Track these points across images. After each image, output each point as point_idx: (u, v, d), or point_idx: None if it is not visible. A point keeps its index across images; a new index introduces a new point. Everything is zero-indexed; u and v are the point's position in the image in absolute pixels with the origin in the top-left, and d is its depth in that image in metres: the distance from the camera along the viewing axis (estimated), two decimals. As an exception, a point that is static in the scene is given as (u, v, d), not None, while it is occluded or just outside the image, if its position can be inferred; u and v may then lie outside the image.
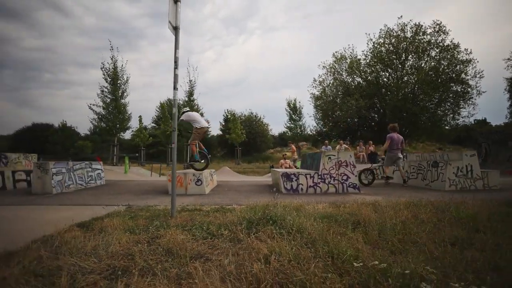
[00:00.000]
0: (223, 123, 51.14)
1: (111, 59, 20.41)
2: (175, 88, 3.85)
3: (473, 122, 23.30)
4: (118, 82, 20.58)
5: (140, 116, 29.30)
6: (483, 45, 67.89)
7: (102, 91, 20.29)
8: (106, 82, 20.40)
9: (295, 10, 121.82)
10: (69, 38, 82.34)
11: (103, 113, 20.41)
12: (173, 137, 3.83)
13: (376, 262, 1.88)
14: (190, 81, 24.35)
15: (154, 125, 51.11)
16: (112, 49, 20.38)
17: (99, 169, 8.96)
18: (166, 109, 28.51)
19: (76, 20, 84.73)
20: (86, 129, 52.89)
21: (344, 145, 14.49)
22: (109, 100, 20.39)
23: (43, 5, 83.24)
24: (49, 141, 45.36)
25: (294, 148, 14.28)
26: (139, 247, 2.38)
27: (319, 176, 6.75)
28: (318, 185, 6.73)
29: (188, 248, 2.36)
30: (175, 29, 3.89)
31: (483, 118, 39.19)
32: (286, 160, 14.10)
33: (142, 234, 2.75)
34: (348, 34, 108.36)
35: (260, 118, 50.83)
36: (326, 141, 14.98)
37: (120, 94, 20.66)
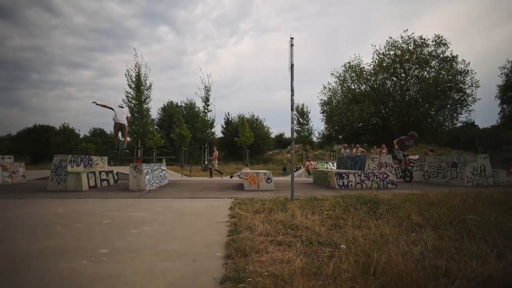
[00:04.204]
0: (224, 126, 52.56)
1: (135, 65, 21.60)
2: (292, 109, 5.35)
3: (462, 125, 25.34)
4: (142, 87, 21.77)
5: (152, 119, 30.39)
6: (466, 49, 71.46)
7: (127, 96, 21.45)
8: (130, 87, 21.57)
9: (288, 12, 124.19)
10: (59, 37, 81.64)
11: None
12: (292, 145, 5.32)
13: (475, 217, 3.43)
14: (206, 87, 25.63)
15: (156, 127, 52.11)
16: (137, 56, 21.58)
17: (164, 170, 10.32)
18: (180, 113, 29.72)
19: (66, 20, 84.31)
20: (86, 130, 53.20)
21: (361, 148, 16.15)
22: (132, 105, 21.55)
23: (31, 3, 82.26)
24: (51, 143, 45.78)
25: (217, 153, 15.14)
26: (325, 215, 3.86)
27: (365, 175, 8.32)
28: (364, 182, 8.30)
29: (348, 216, 3.86)
30: (291, 66, 5.39)
31: (472, 122, 41.85)
32: (311, 162, 15.73)
33: (310, 209, 4.23)
34: (341, 36, 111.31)
35: (261, 121, 52.49)
36: (345, 145, 16.62)
37: (143, 99, 21.84)
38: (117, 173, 10.46)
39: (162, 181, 9.69)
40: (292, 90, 5.34)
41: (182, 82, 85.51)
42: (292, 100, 5.33)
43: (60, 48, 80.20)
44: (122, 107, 9.40)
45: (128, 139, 27.56)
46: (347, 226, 3.30)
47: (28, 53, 77.77)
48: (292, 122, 5.36)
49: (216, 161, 15.30)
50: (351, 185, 8.22)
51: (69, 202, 5.67)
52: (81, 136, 52.89)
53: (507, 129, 22.84)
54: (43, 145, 47.85)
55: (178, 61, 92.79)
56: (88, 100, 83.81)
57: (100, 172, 9.15)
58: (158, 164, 9.78)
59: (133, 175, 8.06)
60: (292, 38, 5.43)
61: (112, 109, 8.91)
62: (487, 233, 2.72)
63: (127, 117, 9.21)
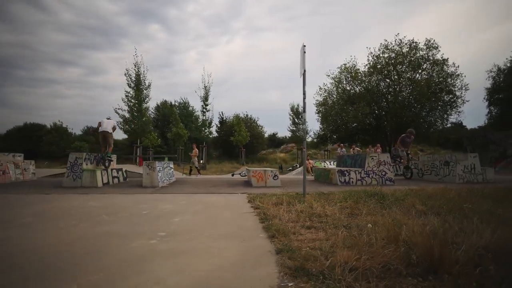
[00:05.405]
0: (219, 125, 52.87)
1: (135, 65, 21.83)
2: (304, 111, 5.84)
3: (452, 125, 26.35)
4: (141, 87, 22.01)
5: (149, 119, 30.52)
6: (459, 51, 73.44)
7: (126, 96, 21.67)
8: (129, 87, 21.79)
9: (280, 12, 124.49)
10: (46, 34, 79.53)
11: (127, 116, 21.79)
12: (304, 144, 5.82)
13: (470, 206, 3.99)
14: (205, 87, 25.99)
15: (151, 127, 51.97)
16: (137, 56, 21.83)
17: (172, 168, 10.71)
18: (177, 112, 29.98)
19: (54, 16, 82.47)
20: (78, 129, 52.41)
21: (357, 148, 16.83)
22: (132, 104, 21.79)
23: (17, -2, 79.86)
24: (43, 141, 45.26)
25: (197, 151, 15.09)
26: (339, 206, 4.37)
27: (365, 172, 8.90)
28: (364, 179, 8.87)
29: (360, 206, 4.37)
30: (304, 72, 5.88)
31: (460, 122, 43.32)
32: (310, 161, 16.31)
33: (323, 201, 4.74)
34: (335, 36, 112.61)
35: (255, 120, 53.00)
36: (342, 144, 17.26)
37: (142, 98, 22.08)
38: (125, 170, 10.79)
39: (171, 178, 10.08)
40: (304, 93, 5.82)
41: (174, 81, 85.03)
42: (304, 104, 5.82)
43: (48, 45, 78.08)
44: (109, 119, 9.61)
45: (125, 136, 27.47)
46: (362, 214, 3.82)
47: (14, 49, 75.48)
48: (304, 123, 5.87)
49: (196, 159, 15.22)
50: (352, 182, 8.78)
51: (95, 197, 6.05)
52: (73, 134, 52.35)
53: (494, 130, 23.91)
54: (35, 143, 47.17)
55: (169, 59, 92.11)
56: (77, 99, 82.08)
57: (111, 170, 9.49)
58: (167, 162, 10.16)
59: (146, 172, 8.44)
60: (304, 46, 5.91)
61: (99, 124, 9.20)
62: (482, 217, 3.26)
63: (113, 127, 9.45)
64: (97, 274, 1.99)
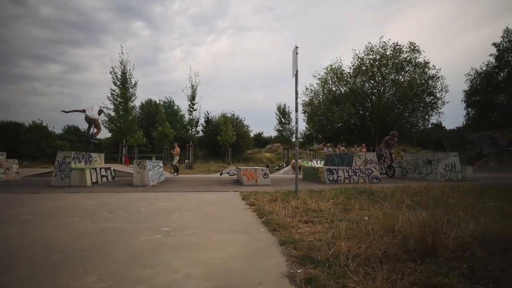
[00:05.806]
0: (204, 125, 52.60)
1: (121, 63, 21.42)
2: (296, 111, 6.00)
3: (432, 126, 27.34)
4: (127, 85, 21.62)
5: (135, 117, 30.00)
6: (434, 53, 76.22)
7: (112, 94, 21.24)
8: (115, 85, 21.35)
9: (265, 12, 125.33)
10: (23, 28, 76.52)
11: (112, 114, 21.38)
12: (296, 143, 5.98)
13: (454, 200, 4.26)
14: (192, 86, 25.85)
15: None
16: (123, 54, 21.43)
17: (161, 167, 10.66)
18: (163, 111, 29.64)
19: (31, 10, 79.57)
20: (58, 127, 50.78)
21: (342, 147, 17.26)
22: (117, 102, 21.38)
23: (-10, -10, 76.74)
24: (23, 141, 43.62)
25: (178, 149, 14.90)
26: (331, 202, 4.55)
27: (352, 171, 9.19)
28: (351, 177, 9.16)
29: (351, 202, 4.57)
30: (296, 73, 6.04)
31: (439, 123, 45.08)
32: (298, 160, 16.56)
33: (315, 198, 4.91)
34: (320, 37, 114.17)
35: (241, 120, 53.05)
36: (328, 144, 17.65)
37: (129, 97, 21.70)
38: (113, 169, 10.65)
39: (160, 177, 10.04)
40: (296, 93, 5.98)
41: (158, 79, 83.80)
42: (296, 103, 5.98)
43: (25, 40, 74.81)
44: (93, 107, 9.72)
45: (109, 135, 26.95)
46: (355, 209, 4.01)
47: (-13, 43, 71.84)
48: (296, 122, 6.03)
49: (178, 157, 15.05)
50: (340, 180, 9.04)
51: (88, 195, 5.98)
52: (53, 133, 50.71)
53: (472, 130, 25.03)
54: (12, 142, 45.39)
55: (153, 58, 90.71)
56: (57, 96, 79.22)
57: (100, 169, 9.35)
58: (157, 161, 10.11)
59: (137, 171, 8.38)
60: (296, 47, 6.07)
61: (83, 111, 9.30)
62: (465, 210, 3.52)
63: (99, 111, 9.85)
64: (112, 266, 2.05)
